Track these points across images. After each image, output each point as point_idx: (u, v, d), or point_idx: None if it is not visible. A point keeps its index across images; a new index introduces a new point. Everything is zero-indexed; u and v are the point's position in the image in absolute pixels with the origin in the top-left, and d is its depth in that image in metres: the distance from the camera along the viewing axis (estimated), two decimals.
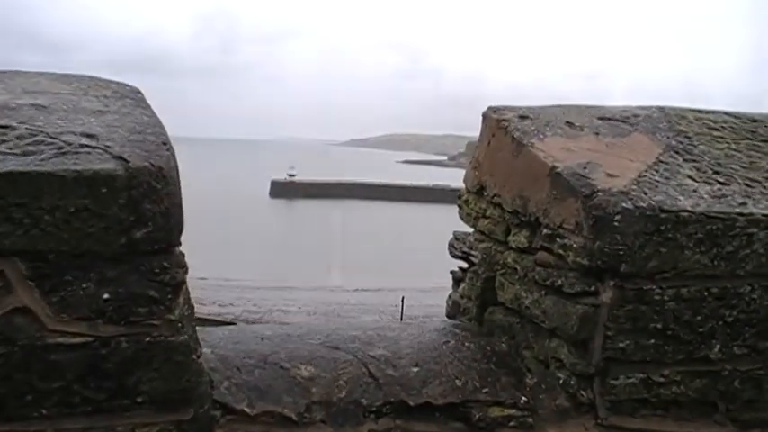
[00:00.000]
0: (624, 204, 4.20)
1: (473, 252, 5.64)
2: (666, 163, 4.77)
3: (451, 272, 6.18)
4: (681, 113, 5.57)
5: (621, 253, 4.16)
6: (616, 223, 4.14)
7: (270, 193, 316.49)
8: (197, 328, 4.55)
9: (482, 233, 5.50)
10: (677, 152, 4.95)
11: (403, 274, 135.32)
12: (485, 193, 5.39)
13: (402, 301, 78.76)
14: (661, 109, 5.61)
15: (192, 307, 4.36)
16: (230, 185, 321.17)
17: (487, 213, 5.38)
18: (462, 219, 5.88)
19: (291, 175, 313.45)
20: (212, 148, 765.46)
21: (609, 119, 5.32)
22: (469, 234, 5.80)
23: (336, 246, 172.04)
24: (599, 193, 4.25)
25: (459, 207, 5.94)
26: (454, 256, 6.02)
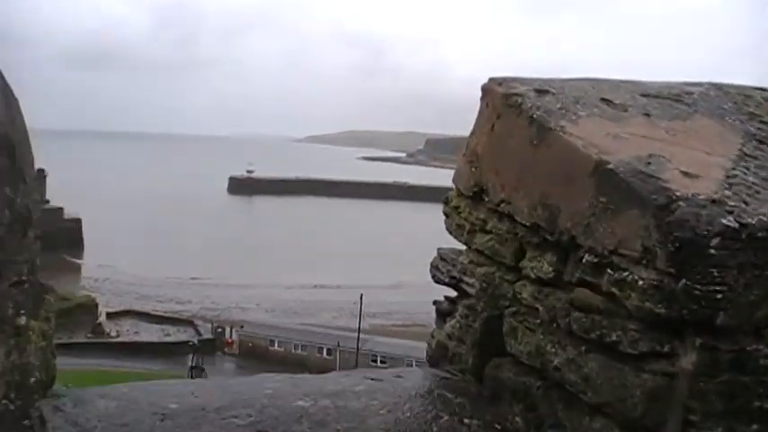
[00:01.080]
0: (724, 221, 2.66)
1: (466, 279, 4.06)
2: (755, 158, 3.27)
3: (435, 302, 4.53)
4: (743, 92, 4.09)
5: (720, 297, 2.62)
6: (713, 251, 2.60)
7: (228, 190, 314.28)
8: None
9: (480, 253, 3.91)
10: (762, 142, 3.47)
11: (362, 271, 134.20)
12: (485, 198, 3.81)
13: (360, 298, 77.55)
14: (717, 86, 4.11)
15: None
16: (188, 182, 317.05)
17: (489, 226, 3.80)
18: (450, 231, 4.26)
19: (250, 172, 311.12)
20: (171, 145, 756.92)
21: (655, 96, 3.79)
22: (461, 253, 4.23)
23: (295, 243, 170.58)
24: (680, 203, 2.70)
25: (446, 215, 4.30)
26: (438, 282, 4.42)
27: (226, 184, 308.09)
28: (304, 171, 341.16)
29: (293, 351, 76.70)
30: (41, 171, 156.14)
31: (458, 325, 4.12)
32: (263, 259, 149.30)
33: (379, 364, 73.68)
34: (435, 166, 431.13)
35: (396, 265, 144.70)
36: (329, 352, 75.83)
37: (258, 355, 76.88)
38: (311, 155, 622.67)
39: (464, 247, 4.16)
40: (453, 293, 4.33)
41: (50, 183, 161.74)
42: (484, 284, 3.84)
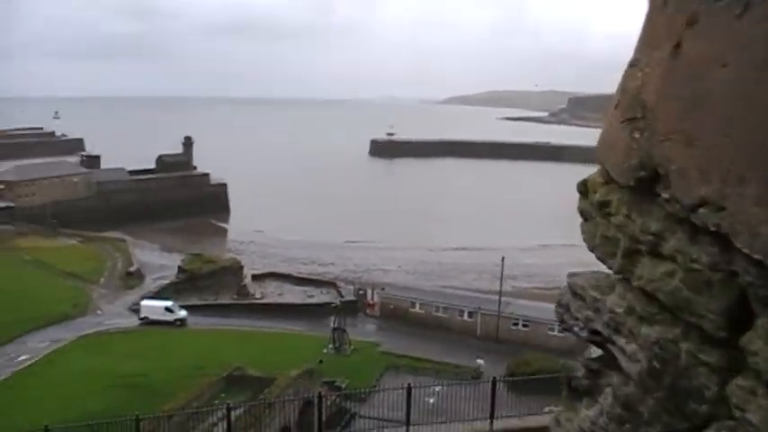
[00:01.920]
0: None
1: (620, 339, 2.13)
2: None
3: (567, 378, 2.57)
4: None
5: None
6: None
7: (370, 152, 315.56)
8: None
9: (650, 297, 1.97)
10: None
11: (504, 233, 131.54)
12: (662, 194, 1.88)
13: (502, 261, 75.42)
14: None
15: None
16: (330, 146, 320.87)
17: (669, 248, 1.86)
18: (591, 246, 2.32)
19: (391, 134, 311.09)
20: (313, 111, 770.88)
21: None
22: (611, 287, 2.28)
23: (436, 205, 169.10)
24: None
25: (583, 216, 2.37)
26: (568, 330, 2.51)
27: (367, 148, 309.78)
28: (444, 133, 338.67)
29: (433, 313, 75.40)
30: (189, 139, 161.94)
31: (603, 421, 2.20)
32: (404, 221, 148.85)
33: (521, 327, 71.48)
34: (579, 125, 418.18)
35: (538, 227, 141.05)
36: (470, 315, 74.09)
37: (399, 316, 76.08)
38: (452, 116, 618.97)
39: (616, 276, 2.23)
40: (593, 353, 2.40)
41: (197, 149, 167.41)
42: (656, 362, 1.90)
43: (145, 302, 72.17)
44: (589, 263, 2.63)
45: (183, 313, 71.52)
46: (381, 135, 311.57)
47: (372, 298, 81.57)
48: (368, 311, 79.18)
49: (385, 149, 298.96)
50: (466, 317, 73.99)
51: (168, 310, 70.89)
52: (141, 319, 70.24)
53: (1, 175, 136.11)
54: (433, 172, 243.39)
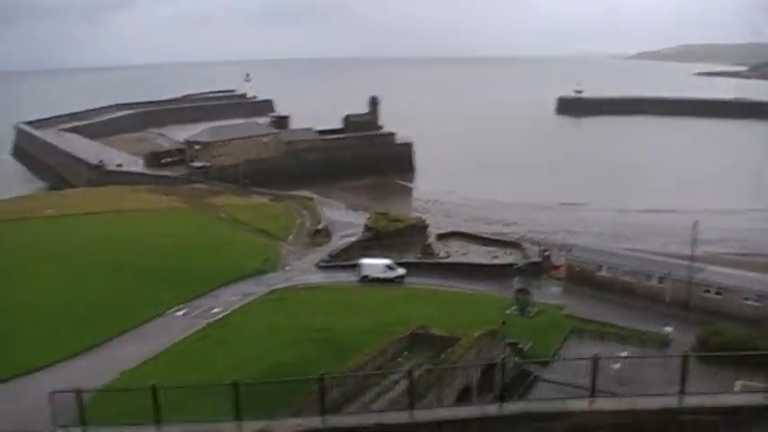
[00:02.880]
0: None
1: None
2: None
3: None
4: None
5: None
6: None
7: (557, 110, 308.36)
8: None
9: None
10: None
11: (697, 195, 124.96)
12: None
13: (695, 225, 71.50)
14: None
15: None
16: (516, 104, 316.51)
17: None
18: None
19: (578, 92, 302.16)
20: (500, 69, 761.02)
21: None
22: None
23: (625, 165, 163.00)
24: None
25: None
26: None
27: (554, 105, 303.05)
28: (634, 90, 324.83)
29: (621, 277, 72.74)
30: (374, 99, 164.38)
31: None
32: (591, 181, 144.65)
33: (713, 294, 67.78)
34: None
35: (733, 190, 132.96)
36: (659, 280, 71.06)
37: (585, 279, 73.89)
38: (642, 73, 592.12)
39: None
40: None
41: (383, 109, 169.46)
42: None
43: (365, 261, 73.54)
44: None
45: (401, 271, 72.66)
46: (569, 92, 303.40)
47: (558, 260, 79.98)
48: (553, 273, 77.56)
49: (572, 107, 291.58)
50: (655, 282, 70.86)
51: (389, 267, 72.37)
52: (363, 277, 71.68)
53: (197, 136, 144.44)
54: (622, 130, 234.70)
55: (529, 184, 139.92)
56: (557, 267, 78.13)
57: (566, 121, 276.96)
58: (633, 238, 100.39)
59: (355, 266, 72.95)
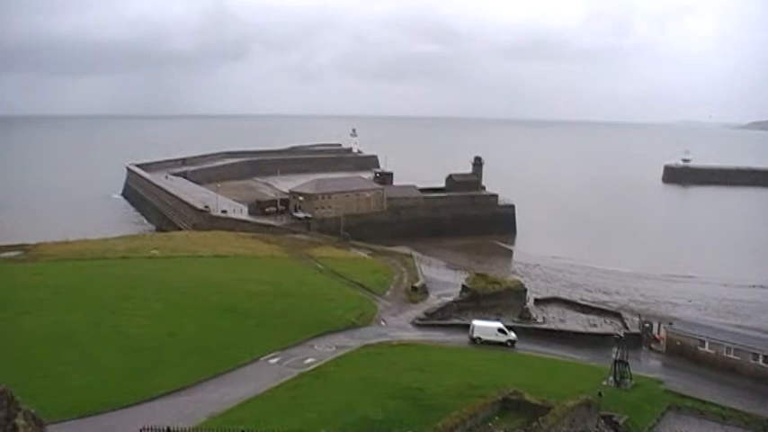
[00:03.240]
0: None
1: None
2: None
3: None
4: None
5: None
6: None
7: (663, 179, 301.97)
8: None
9: None
10: None
11: None
12: None
13: None
14: None
15: None
16: (619, 171, 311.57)
17: None
18: None
19: (686, 161, 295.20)
20: (600, 133, 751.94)
21: None
22: None
23: (734, 237, 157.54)
24: None
25: None
26: None
27: (660, 173, 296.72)
28: (747, 160, 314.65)
29: (725, 354, 69.66)
30: (478, 159, 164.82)
31: None
32: (697, 253, 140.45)
33: None
34: None
35: None
36: (765, 359, 67.76)
37: (686, 354, 71.09)
38: (755, 142, 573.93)
39: None
40: None
41: (485, 169, 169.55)
42: None
43: (477, 323, 72.98)
44: None
45: (512, 335, 71.78)
46: (676, 160, 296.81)
47: (659, 332, 77.32)
48: (653, 346, 74.97)
49: (680, 176, 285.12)
50: (761, 361, 67.58)
51: (500, 330, 71.61)
52: (473, 339, 71.10)
53: (301, 187, 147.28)
54: (733, 202, 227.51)
55: (632, 253, 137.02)
56: (657, 340, 75.64)
57: (672, 189, 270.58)
58: (740, 314, 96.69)
59: (451, 326, 72.09)
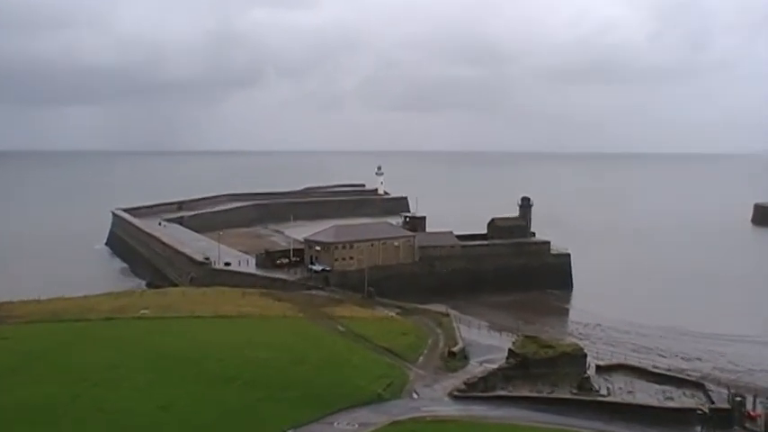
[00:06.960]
0: None
1: None
2: None
3: None
4: None
5: None
6: None
7: (753, 220, 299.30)
8: None
9: None
10: None
11: None
12: None
13: None
14: None
15: None
16: (696, 209, 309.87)
17: None
18: None
19: None
20: (671, 166, 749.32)
21: None
22: None
23: None
24: None
25: None
26: None
27: (749, 213, 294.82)
28: None
29: None
30: (526, 200, 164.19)
31: None
32: None
33: None
34: None
35: None
36: None
37: None
38: None
39: None
40: None
41: (536, 210, 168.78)
42: None
43: None
44: None
45: None
46: (761, 197, 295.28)
47: (754, 408, 75.99)
48: (747, 425, 73.69)
49: None
50: None
51: None
52: None
53: (318, 235, 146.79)
54: None
55: (718, 310, 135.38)
56: (752, 418, 74.24)
57: (765, 233, 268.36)
58: None
59: (496, 399, 71.35)
